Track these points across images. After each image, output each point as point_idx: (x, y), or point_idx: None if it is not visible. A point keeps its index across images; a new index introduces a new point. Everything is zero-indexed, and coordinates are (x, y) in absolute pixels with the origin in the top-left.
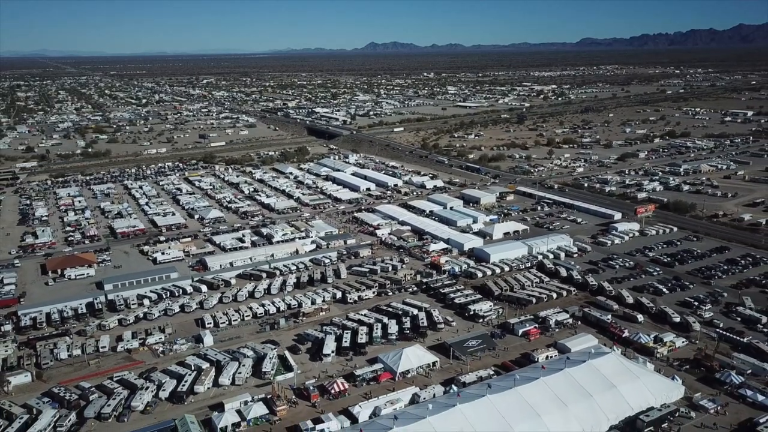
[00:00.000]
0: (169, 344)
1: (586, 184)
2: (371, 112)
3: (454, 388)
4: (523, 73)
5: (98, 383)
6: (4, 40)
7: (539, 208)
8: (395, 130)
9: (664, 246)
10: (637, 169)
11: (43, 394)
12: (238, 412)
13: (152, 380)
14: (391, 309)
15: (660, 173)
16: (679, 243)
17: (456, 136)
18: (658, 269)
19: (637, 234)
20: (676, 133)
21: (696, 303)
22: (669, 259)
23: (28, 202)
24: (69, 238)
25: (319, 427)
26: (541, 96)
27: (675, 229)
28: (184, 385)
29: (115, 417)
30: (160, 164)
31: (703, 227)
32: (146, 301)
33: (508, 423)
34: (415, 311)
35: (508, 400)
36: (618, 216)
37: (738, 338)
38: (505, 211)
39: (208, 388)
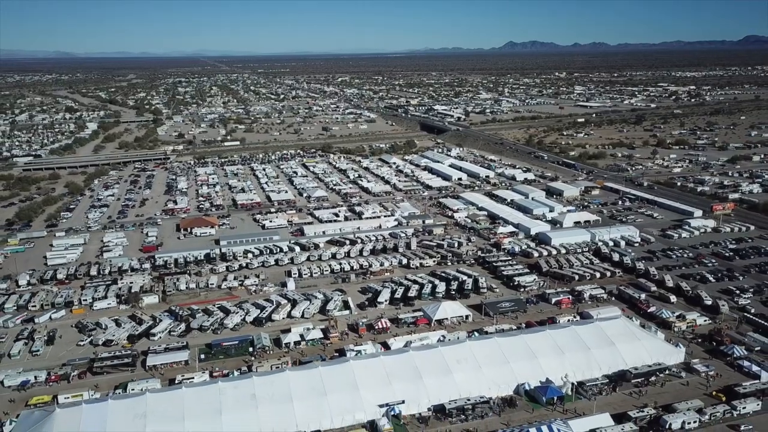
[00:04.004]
0: (261, 286)
1: (678, 183)
2: (487, 110)
3: (476, 334)
4: (664, 73)
5: (204, 308)
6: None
7: (620, 202)
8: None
9: (733, 242)
10: (743, 171)
11: (165, 311)
12: (300, 334)
13: (242, 308)
14: (444, 274)
15: (766, 176)
16: (750, 240)
17: (565, 134)
18: (713, 261)
19: (709, 230)
20: None
21: (738, 291)
22: (731, 253)
23: (173, 177)
24: (200, 206)
25: (357, 348)
26: (673, 97)
27: (752, 227)
28: (264, 314)
29: (212, 330)
30: (284, 151)
31: None
32: (249, 255)
33: (506, 359)
34: (464, 277)
35: (512, 343)
36: (698, 213)
37: (761, 321)
38: (585, 203)
39: (283, 318)
